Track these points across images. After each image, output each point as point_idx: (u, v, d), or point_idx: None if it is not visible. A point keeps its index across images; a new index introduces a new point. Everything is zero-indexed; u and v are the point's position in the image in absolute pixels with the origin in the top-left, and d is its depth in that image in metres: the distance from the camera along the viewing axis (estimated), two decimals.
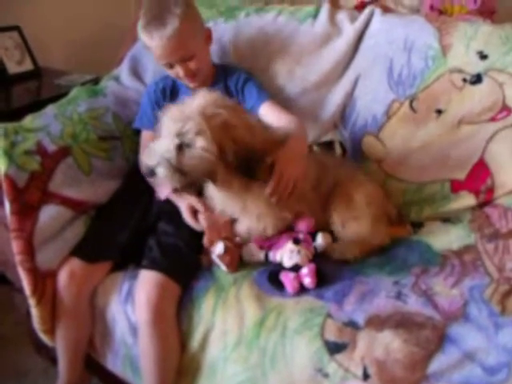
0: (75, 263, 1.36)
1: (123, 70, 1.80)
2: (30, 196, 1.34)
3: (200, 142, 1.17)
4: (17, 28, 2.12)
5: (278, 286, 1.27)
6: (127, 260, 1.43)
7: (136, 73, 1.79)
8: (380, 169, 1.58)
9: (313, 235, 1.40)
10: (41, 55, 2.18)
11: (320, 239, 1.39)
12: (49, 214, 1.35)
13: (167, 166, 1.18)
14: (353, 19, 1.64)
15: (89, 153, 1.51)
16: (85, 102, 1.63)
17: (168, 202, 1.46)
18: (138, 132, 1.64)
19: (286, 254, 1.33)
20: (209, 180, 1.26)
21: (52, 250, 1.35)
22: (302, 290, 1.25)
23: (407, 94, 1.53)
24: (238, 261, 1.36)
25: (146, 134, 1.60)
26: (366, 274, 1.30)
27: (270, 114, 1.48)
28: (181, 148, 1.19)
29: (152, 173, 1.20)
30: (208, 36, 1.57)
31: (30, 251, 1.30)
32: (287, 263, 1.32)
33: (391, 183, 1.56)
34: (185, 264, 1.36)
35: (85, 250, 1.39)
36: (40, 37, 2.22)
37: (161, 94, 1.61)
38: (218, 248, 1.32)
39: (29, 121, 1.50)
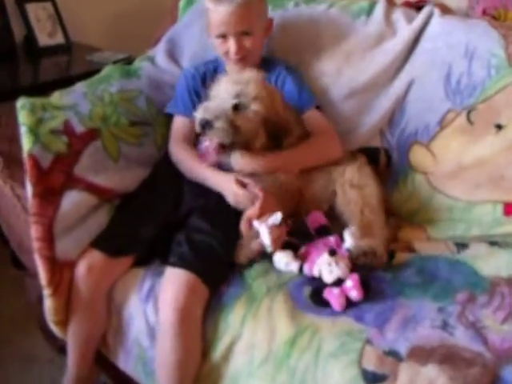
0: (95, 256, 1.27)
1: (159, 52, 1.70)
2: (53, 179, 1.26)
3: (255, 106, 1.30)
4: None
5: (322, 304, 1.17)
6: (151, 256, 1.34)
7: (172, 56, 1.69)
8: (427, 181, 1.46)
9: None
10: (73, 29, 2.11)
11: (349, 238, 1.28)
12: (72, 200, 1.27)
13: (225, 120, 1.26)
14: (410, 19, 1.52)
15: (118, 137, 1.43)
16: (117, 82, 1.53)
17: (202, 195, 1.38)
18: (170, 118, 1.54)
19: (325, 267, 1.23)
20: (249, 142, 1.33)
21: (72, 240, 1.26)
22: (348, 304, 1.16)
23: (465, 105, 1.41)
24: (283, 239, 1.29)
25: (179, 121, 1.51)
26: (407, 296, 1.19)
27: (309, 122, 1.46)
28: (237, 107, 1.29)
29: (208, 125, 1.27)
30: (269, 26, 1.52)
31: (49, 239, 1.22)
32: (328, 278, 1.21)
33: (438, 198, 1.44)
34: (217, 266, 1.26)
35: (106, 243, 1.30)
36: (74, 10, 2.14)
37: (200, 80, 1.52)
38: (275, 218, 1.24)
39: (57, 97, 1.41)
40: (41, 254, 1.21)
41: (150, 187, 1.45)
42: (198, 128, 1.28)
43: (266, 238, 1.25)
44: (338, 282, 1.21)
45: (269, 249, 1.27)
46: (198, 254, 1.25)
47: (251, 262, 1.30)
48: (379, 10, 1.55)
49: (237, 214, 1.33)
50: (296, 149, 1.38)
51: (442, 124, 1.44)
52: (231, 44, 1.42)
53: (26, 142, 1.24)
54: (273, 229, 1.26)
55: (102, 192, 1.34)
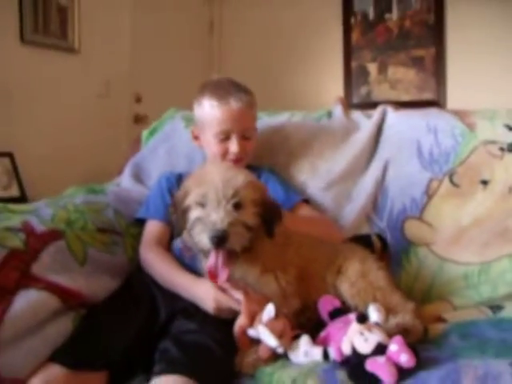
0: (54, 371, 0.97)
1: (125, 177, 1.64)
2: (4, 276, 1.02)
3: (251, 196, 1.10)
4: (9, 155, 2.02)
5: (368, 380, 0.92)
6: (129, 373, 1.04)
7: (139, 178, 1.63)
8: (431, 253, 1.36)
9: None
10: (30, 185, 2.04)
11: (375, 314, 1.07)
12: (28, 300, 1.01)
13: (237, 224, 1.06)
14: (368, 116, 1.63)
15: (85, 241, 1.23)
16: (82, 196, 1.41)
17: (180, 297, 1.17)
18: (141, 230, 1.38)
19: (357, 338, 0.99)
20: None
21: (23, 352, 0.96)
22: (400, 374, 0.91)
23: (444, 171, 1.43)
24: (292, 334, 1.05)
25: (150, 225, 1.37)
26: (466, 357, 0.97)
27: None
28: (236, 206, 1.08)
29: (224, 236, 1.03)
30: (256, 134, 1.52)
31: None
32: (366, 348, 0.97)
33: (448, 267, 1.33)
34: (214, 365, 1.00)
35: (68, 354, 1.00)
36: (31, 167, 2.11)
37: (175, 181, 1.42)
38: (268, 311, 1.01)
39: (14, 205, 1.25)
40: None
41: (122, 296, 1.21)
42: (207, 244, 1.04)
43: (270, 339, 1.03)
44: (380, 350, 0.97)
45: (279, 349, 1.03)
46: (190, 355, 1.00)
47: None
48: (338, 112, 1.65)
49: None
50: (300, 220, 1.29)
51: (429, 193, 1.42)
52: (233, 144, 1.39)
53: None
54: (272, 324, 1.04)
55: (66, 293, 1.08)
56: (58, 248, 1.15)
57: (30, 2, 2.35)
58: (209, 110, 1.39)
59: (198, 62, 3.64)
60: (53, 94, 2.45)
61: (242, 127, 1.39)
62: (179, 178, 1.44)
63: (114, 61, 2.84)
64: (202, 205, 1.07)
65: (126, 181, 1.63)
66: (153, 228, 1.36)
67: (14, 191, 1.98)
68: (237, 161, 1.40)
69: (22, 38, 2.30)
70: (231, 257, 1.08)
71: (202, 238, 1.05)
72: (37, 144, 2.29)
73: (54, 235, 1.17)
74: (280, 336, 1.03)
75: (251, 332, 1.05)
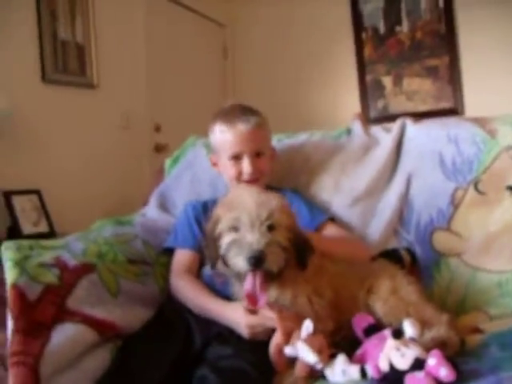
0: None
1: (150, 207, 1.66)
2: (42, 312, 1.04)
3: (285, 220, 1.11)
4: (37, 192, 2.08)
5: None
6: None
7: (164, 207, 1.66)
8: (463, 263, 1.34)
9: None
10: (58, 220, 2.10)
11: (410, 329, 1.04)
12: (65, 334, 1.03)
13: (274, 244, 1.07)
14: (387, 130, 1.63)
15: (116, 273, 1.26)
16: (111, 228, 1.44)
17: (214, 322, 1.18)
18: (170, 259, 1.41)
19: (394, 353, 0.97)
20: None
21: None
22: None
23: (468, 180, 1.41)
24: (329, 352, 1.03)
25: (179, 254, 1.40)
26: (509, 369, 0.94)
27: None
28: (271, 228, 1.09)
29: (261, 257, 1.04)
30: (273, 155, 1.54)
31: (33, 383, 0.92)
32: (403, 364, 0.95)
33: (481, 277, 1.31)
34: None
35: None
36: (59, 203, 2.18)
37: (202, 209, 1.46)
38: (306, 327, 1.00)
39: (45, 241, 1.28)
40: None
41: (156, 326, 1.22)
42: (244, 266, 1.04)
43: (309, 355, 1.02)
44: (418, 365, 0.95)
45: (319, 365, 1.02)
46: (228, 381, 1.00)
47: None
48: (357, 128, 1.65)
49: None
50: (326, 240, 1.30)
51: (455, 203, 1.41)
52: (245, 164, 1.42)
53: (10, 275, 1.06)
54: (311, 340, 1.03)
55: (102, 325, 1.10)
56: (91, 281, 1.17)
57: (49, 43, 2.45)
58: (220, 135, 1.45)
59: (214, 88, 3.71)
60: (75, 129, 2.53)
61: (252, 147, 1.42)
62: (205, 206, 1.47)
63: (132, 93, 2.92)
64: (235, 229, 1.09)
65: (151, 210, 1.65)
66: (182, 257, 1.38)
67: (43, 227, 2.04)
68: (252, 181, 1.43)
69: (44, 77, 2.39)
70: (267, 280, 1.08)
71: (238, 260, 1.05)
72: (62, 179, 2.36)
73: (86, 269, 1.19)
74: (319, 352, 1.02)
75: (288, 350, 1.04)
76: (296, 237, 1.12)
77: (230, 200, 1.15)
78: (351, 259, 1.28)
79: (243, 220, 1.07)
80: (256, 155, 1.43)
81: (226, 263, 1.10)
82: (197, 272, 1.37)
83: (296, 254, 1.13)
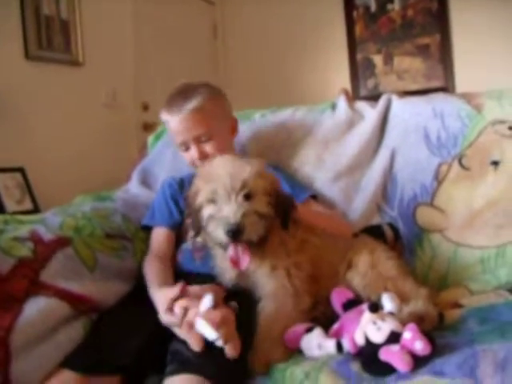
0: (66, 377, 0.96)
1: (132, 183, 1.65)
2: (14, 285, 1.02)
3: (262, 185, 1.10)
4: (21, 170, 2.06)
5: (383, 370, 0.89)
6: (142, 376, 1.03)
7: (146, 183, 1.64)
8: (445, 239, 1.33)
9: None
10: (43, 198, 2.07)
11: (388, 303, 1.03)
12: (37, 307, 1.01)
13: (251, 214, 1.06)
14: (372, 105, 1.60)
15: (93, 247, 1.24)
16: (90, 203, 1.42)
17: None
18: (149, 234, 1.39)
19: (370, 327, 0.96)
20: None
21: (35, 358, 0.96)
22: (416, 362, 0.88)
23: (453, 154, 1.40)
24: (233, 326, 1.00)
25: (158, 231, 1.38)
26: (485, 342, 0.93)
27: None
28: (247, 197, 1.08)
29: (239, 229, 1.03)
30: (233, 126, 1.49)
31: (3, 356, 0.92)
32: (379, 337, 0.94)
33: (463, 252, 1.30)
34: (229, 365, 0.98)
35: (80, 359, 1.00)
36: (44, 181, 2.15)
37: (178, 187, 1.43)
38: (204, 302, 0.98)
39: (22, 216, 1.26)
40: None
41: (133, 300, 1.21)
42: (224, 239, 1.04)
43: (207, 330, 0.96)
44: (393, 338, 0.94)
45: (218, 341, 0.97)
46: (201, 355, 0.98)
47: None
48: (342, 103, 1.62)
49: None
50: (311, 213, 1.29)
51: (438, 178, 1.39)
52: (192, 151, 1.38)
53: None
54: (209, 314, 0.99)
55: (76, 299, 1.08)
56: (67, 255, 1.15)
57: (32, 19, 2.39)
58: (166, 124, 1.44)
59: (204, 66, 3.65)
60: (60, 107, 2.49)
61: (192, 135, 1.36)
62: (181, 183, 1.45)
63: (118, 71, 2.86)
64: (213, 201, 1.08)
65: (133, 186, 1.63)
66: (158, 236, 1.37)
67: (27, 205, 2.01)
68: None
69: (27, 54, 2.34)
70: (250, 245, 1.08)
71: (217, 233, 1.05)
72: (47, 157, 2.32)
73: (61, 242, 1.17)
74: (220, 327, 0.97)
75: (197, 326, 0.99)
76: (277, 198, 1.11)
77: (207, 171, 1.13)
78: (333, 234, 1.27)
79: (219, 192, 1.06)
80: (201, 140, 1.37)
81: (207, 234, 1.10)
82: (173, 249, 1.35)
83: (279, 215, 1.12)
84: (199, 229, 1.13)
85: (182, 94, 1.38)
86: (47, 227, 1.20)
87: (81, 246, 1.21)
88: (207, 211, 1.09)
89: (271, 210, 1.10)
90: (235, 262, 1.09)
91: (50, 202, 2.08)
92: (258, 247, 1.10)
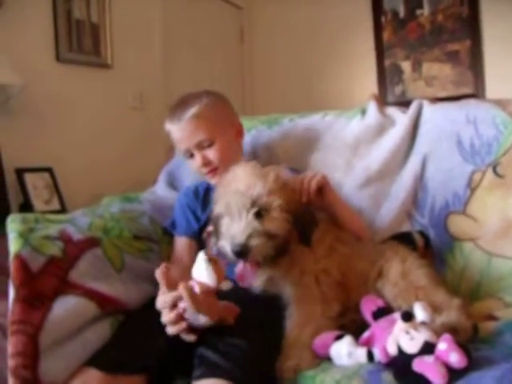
0: (91, 375, 0.97)
1: (159, 185, 1.66)
2: (44, 283, 1.03)
3: (277, 201, 1.08)
4: (49, 170, 2.10)
5: (417, 382, 0.87)
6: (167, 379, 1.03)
7: (172, 185, 1.66)
8: (478, 248, 1.28)
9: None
10: (70, 199, 2.12)
11: (421, 313, 1.01)
12: (66, 306, 1.02)
13: (258, 235, 1.04)
14: (403, 111, 1.58)
15: (121, 248, 1.25)
16: (118, 205, 1.43)
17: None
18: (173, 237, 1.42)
19: (403, 337, 0.94)
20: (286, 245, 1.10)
21: (63, 357, 0.97)
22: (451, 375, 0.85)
23: (487, 162, 1.35)
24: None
25: (179, 240, 1.42)
26: None
27: None
28: (259, 214, 1.07)
29: (243, 251, 1.03)
30: (238, 130, 1.48)
31: (32, 354, 0.93)
32: (412, 347, 0.91)
33: (496, 263, 1.25)
34: (257, 371, 0.98)
35: (105, 358, 1.00)
36: (71, 181, 2.20)
37: (193, 195, 1.45)
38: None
39: (52, 215, 1.27)
40: (17, 374, 0.89)
41: None
42: (232, 256, 1.05)
43: (206, 273, 0.97)
44: (428, 349, 0.91)
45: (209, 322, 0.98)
46: (229, 359, 0.97)
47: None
48: (372, 108, 1.60)
49: (264, 312, 1.11)
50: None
51: (471, 186, 1.35)
52: (196, 159, 1.38)
53: (14, 245, 1.05)
54: (196, 299, 0.97)
55: (103, 300, 1.09)
56: (95, 255, 1.16)
57: (64, 22, 2.43)
58: (170, 134, 1.43)
59: (230, 70, 3.66)
60: (88, 108, 2.52)
61: (195, 141, 1.36)
62: (196, 191, 1.47)
63: (147, 73, 2.89)
64: (228, 213, 1.08)
65: (160, 189, 1.65)
66: (179, 245, 1.40)
67: (55, 205, 2.03)
68: (211, 171, 1.39)
69: (58, 56, 2.37)
70: (258, 264, 1.08)
71: (226, 250, 1.06)
72: (75, 158, 2.35)
73: (90, 243, 1.18)
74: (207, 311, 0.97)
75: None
76: (296, 214, 1.09)
77: (227, 181, 1.13)
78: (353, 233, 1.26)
79: (232, 207, 1.06)
80: (203, 146, 1.36)
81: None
82: (194, 257, 1.35)
83: (299, 230, 1.10)
84: (219, 236, 1.13)
85: (182, 103, 1.40)
86: (76, 227, 1.21)
87: (109, 246, 1.22)
88: (222, 224, 1.10)
89: (288, 226, 1.08)
90: (242, 280, 1.09)
91: (77, 203, 2.12)
92: (273, 261, 1.09)
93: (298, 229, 1.10)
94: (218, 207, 1.11)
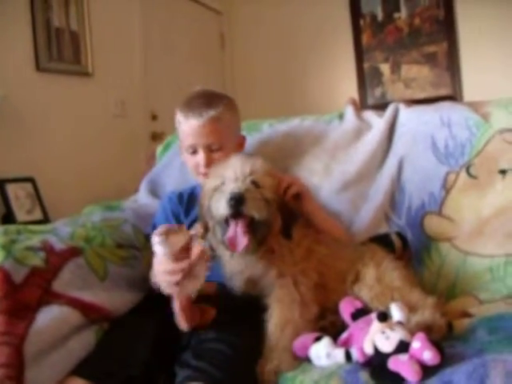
0: None
1: (140, 193, 1.67)
2: (27, 293, 1.04)
3: (269, 182, 1.14)
4: (31, 180, 2.10)
5: (392, 380, 0.90)
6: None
7: (154, 193, 1.66)
8: (454, 247, 1.33)
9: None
10: (53, 208, 2.11)
11: (397, 313, 1.05)
12: (51, 315, 1.03)
13: (254, 193, 1.09)
14: (379, 115, 1.61)
15: (104, 257, 1.26)
16: (100, 213, 1.44)
17: None
18: None
19: (378, 337, 0.97)
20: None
21: (48, 366, 0.98)
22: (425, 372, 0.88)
23: (461, 163, 1.40)
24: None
25: None
26: (495, 352, 0.93)
27: None
28: (255, 184, 1.12)
29: (240, 198, 1.05)
30: (241, 143, 1.50)
31: (17, 364, 0.93)
32: (387, 346, 0.94)
33: (472, 261, 1.30)
34: (237, 374, 1.00)
35: (92, 368, 1.01)
36: (53, 190, 2.19)
37: (177, 200, 1.45)
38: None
39: (33, 226, 1.28)
40: None
41: (143, 310, 1.22)
42: (225, 210, 1.06)
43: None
44: (402, 348, 0.94)
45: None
46: (210, 364, 1.00)
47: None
48: (349, 113, 1.64)
49: (245, 315, 1.14)
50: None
51: (446, 187, 1.39)
52: (200, 157, 1.37)
53: None
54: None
55: (87, 308, 1.10)
56: (78, 264, 1.17)
57: (43, 31, 2.43)
58: (178, 125, 1.42)
59: (211, 76, 3.68)
60: (70, 117, 2.52)
61: (205, 142, 1.35)
62: (180, 197, 1.47)
63: (127, 81, 2.90)
64: (220, 185, 1.12)
65: (142, 196, 1.65)
66: None
67: (37, 215, 2.04)
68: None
69: (38, 65, 2.37)
70: (250, 228, 1.08)
71: (219, 205, 1.08)
72: (57, 167, 2.35)
73: (73, 252, 1.19)
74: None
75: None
76: (281, 203, 1.14)
77: (215, 169, 1.19)
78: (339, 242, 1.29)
79: (228, 175, 1.11)
80: (211, 150, 1.37)
81: (211, 214, 1.12)
82: None
83: (282, 219, 1.14)
84: (207, 227, 1.15)
85: (205, 99, 1.38)
86: (58, 237, 1.22)
87: (92, 255, 1.23)
88: (217, 196, 1.11)
89: (274, 209, 1.12)
90: (233, 243, 1.09)
91: (60, 212, 2.12)
92: (262, 256, 1.12)
93: (281, 217, 1.14)
94: (212, 181, 1.15)
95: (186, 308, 1.05)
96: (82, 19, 2.65)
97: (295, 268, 1.14)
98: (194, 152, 1.38)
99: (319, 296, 1.15)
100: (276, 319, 1.09)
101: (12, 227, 1.20)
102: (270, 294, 1.13)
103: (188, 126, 1.37)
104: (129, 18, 2.95)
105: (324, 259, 1.21)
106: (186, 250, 1.01)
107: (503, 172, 1.34)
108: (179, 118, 1.40)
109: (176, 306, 1.05)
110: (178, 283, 0.99)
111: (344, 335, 1.08)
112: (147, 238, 1.42)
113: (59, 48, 2.52)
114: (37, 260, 1.10)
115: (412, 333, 0.97)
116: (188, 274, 1.00)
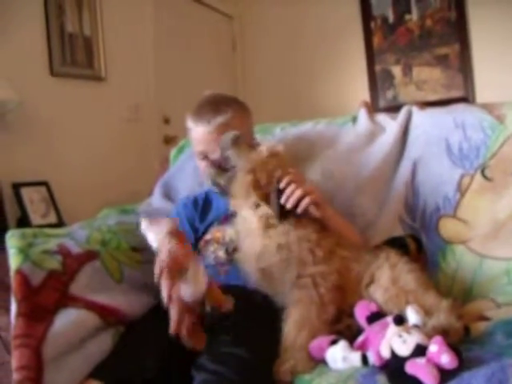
0: None
1: (155, 196, 1.68)
2: (45, 297, 1.05)
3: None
4: (45, 183, 2.12)
5: (410, 383, 0.89)
6: None
7: (168, 196, 1.68)
8: (469, 250, 1.31)
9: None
10: (67, 212, 2.14)
11: (413, 316, 1.04)
12: (68, 318, 1.04)
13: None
14: (393, 117, 1.61)
15: (120, 261, 1.27)
16: (115, 217, 1.46)
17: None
18: None
19: (395, 340, 0.96)
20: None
21: (67, 367, 0.99)
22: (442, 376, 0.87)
23: (475, 166, 1.39)
24: None
25: None
26: None
27: None
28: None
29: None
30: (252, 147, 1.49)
31: (36, 367, 0.95)
32: (404, 350, 0.94)
33: (488, 264, 1.28)
34: (254, 376, 1.00)
35: (108, 371, 1.02)
36: (67, 194, 2.22)
37: (192, 206, 1.47)
38: None
39: (49, 229, 1.30)
40: None
41: (159, 313, 1.21)
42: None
43: None
44: (419, 352, 0.94)
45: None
46: (226, 366, 1.00)
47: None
48: (362, 116, 1.63)
49: (262, 315, 1.14)
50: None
51: (461, 190, 1.38)
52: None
53: (14, 261, 1.07)
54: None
55: (105, 311, 1.11)
56: (94, 268, 1.19)
57: (57, 36, 2.47)
58: (189, 131, 1.44)
59: (223, 80, 3.70)
60: (83, 121, 2.55)
61: (214, 149, 1.35)
62: (195, 201, 1.49)
63: (140, 85, 2.93)
64: None
65: (156, 200, 1.67)
66: None
67: (52, 218, 2.06)
68: None
69: (52, 70, 2.41)
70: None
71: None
72: (71, 171, 2.38)
73: (89, 256, 1.20)
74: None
75: None
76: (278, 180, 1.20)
77: None
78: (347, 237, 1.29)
79: None
80: None
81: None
82: None
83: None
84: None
85: (212, 105, 1.40)
86: (75, 241, 1.23)
87: (108, 259, 1.24)
88: None
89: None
90: None
91: (74, 216, 2.14)
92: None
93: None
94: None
95: (181, 321, 1.01)
96: (95, 24, 2.68)
97: (315, 269, 1.14)
98: (205, 158, 1.40)
99: (337, 298, 1.15)
100: (293, 319, 1.09)
101: (29, 231, 1.22)
102: (287, 294, 1.13)
103: (197, 133, 1.39)
104: (141, 22, 2.98)
105: (345, 261, 1.21)
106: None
107: None
108: (189, 124, 1.43)
109: (172, 314, 1.02)
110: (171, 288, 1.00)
111: (360, 339, 1.07)
112: None
113: (72, 53, 2.55)
114: (54, 263, 1.12)
115: (429, 336, 0.97)
116: (182, 277, 1.00)
